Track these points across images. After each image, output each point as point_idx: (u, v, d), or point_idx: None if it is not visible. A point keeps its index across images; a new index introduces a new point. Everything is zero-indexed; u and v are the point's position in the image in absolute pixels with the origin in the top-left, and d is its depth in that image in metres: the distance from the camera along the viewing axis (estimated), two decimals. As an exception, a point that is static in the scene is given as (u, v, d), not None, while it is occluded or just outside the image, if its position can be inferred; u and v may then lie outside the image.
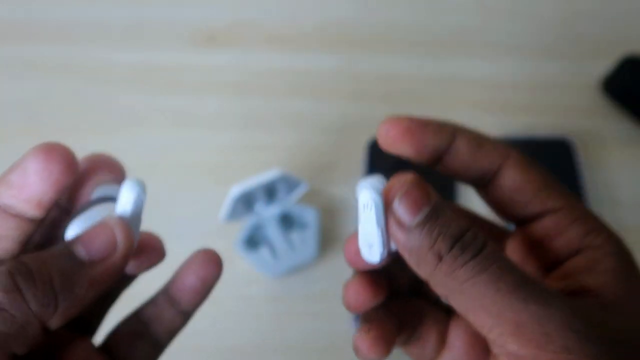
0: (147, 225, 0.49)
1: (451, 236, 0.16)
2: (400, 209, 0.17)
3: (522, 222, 0.21)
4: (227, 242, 0.44)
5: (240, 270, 0.44)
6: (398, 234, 0.17)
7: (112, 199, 0.20)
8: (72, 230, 0.19)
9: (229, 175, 0.49)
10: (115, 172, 0.21)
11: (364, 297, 0.20)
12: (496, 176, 0.21)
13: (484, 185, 0.21)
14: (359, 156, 0.49)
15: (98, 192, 0.20)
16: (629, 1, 0.58)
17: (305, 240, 0.44)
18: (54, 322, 0.18)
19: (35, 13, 0.58)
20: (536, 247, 0.21)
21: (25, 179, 0.18)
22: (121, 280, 0.24)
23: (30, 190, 0.18)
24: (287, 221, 0.45)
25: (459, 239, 0.16)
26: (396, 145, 0.20)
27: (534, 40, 0.56)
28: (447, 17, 0.58)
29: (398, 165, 0.51)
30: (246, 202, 0.43)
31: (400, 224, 0.17)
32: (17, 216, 0.18)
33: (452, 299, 0.17)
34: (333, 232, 0.46)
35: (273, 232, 0.43)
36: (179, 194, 0.48)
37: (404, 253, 0.17)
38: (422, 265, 0.17)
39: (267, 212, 0.44)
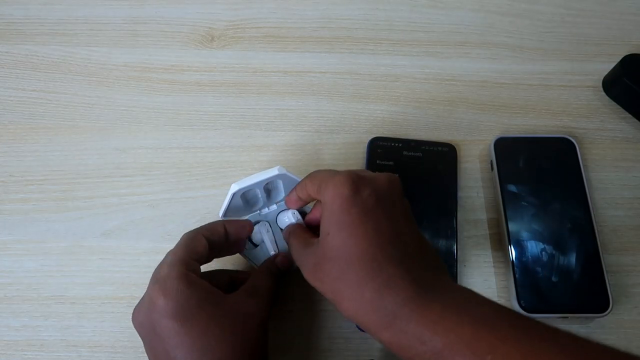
0: (148, 225, 0.49)
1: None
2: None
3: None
4: (227, 242, 0.44)
5: (240, 270, 0.44)
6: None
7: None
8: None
9: (228, 175, 0.49)
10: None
11: None
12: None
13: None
14: (359, 156, 0.49)
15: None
16: (629, 1, 0.58)
17: (305, 240, 0.44)
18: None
19: (34, 12, 0.58)
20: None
21: (242, 229, 0.41)
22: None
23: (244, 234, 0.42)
24: (287, 221, 0.45)
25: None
26: None
27: (534, 40, 0.56)
28: (447, 17, 0.58)
29: (396, 165, 0.50)
30: (246, 200, 0.43)
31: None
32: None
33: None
34: (333, 232, 0.46)
35: (273, 231, 0.43)
36: (178, 193, 0.48)
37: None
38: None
39: (267, 211, 0.44)
